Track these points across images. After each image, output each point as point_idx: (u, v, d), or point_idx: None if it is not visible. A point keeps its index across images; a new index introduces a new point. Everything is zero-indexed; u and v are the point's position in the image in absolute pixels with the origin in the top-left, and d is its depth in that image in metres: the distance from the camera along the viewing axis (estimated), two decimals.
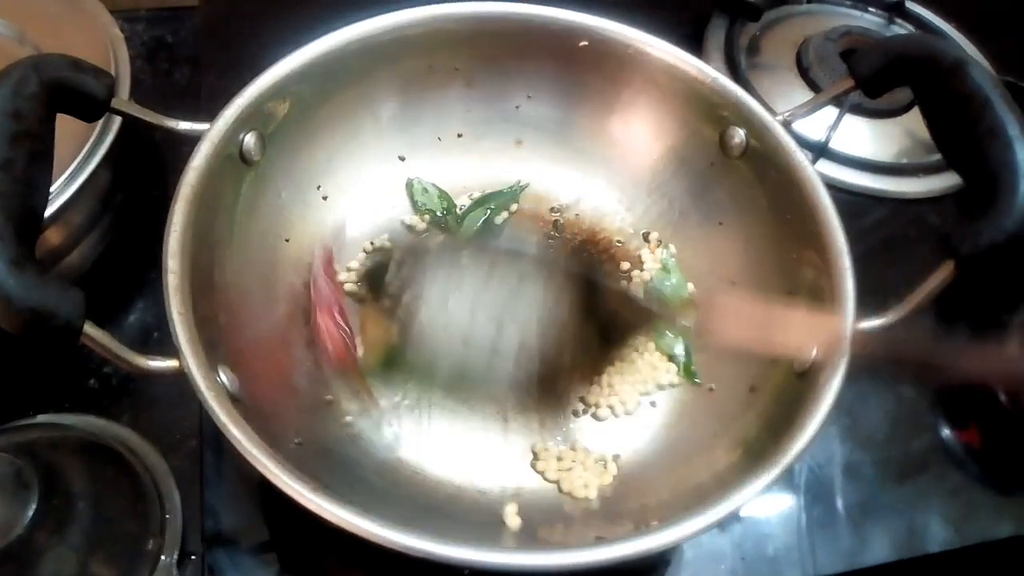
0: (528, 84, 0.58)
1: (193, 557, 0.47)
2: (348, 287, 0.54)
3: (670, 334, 0.53)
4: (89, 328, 0.37)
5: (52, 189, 0.50)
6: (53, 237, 0.56)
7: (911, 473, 0.54)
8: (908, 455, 0.55)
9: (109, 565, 0.45)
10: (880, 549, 0.52)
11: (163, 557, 0.46)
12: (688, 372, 0.52)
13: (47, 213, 0.49)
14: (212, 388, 0.38)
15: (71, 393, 0.53)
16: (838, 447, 0.55)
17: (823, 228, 0.46)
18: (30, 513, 0.40)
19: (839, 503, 0.53)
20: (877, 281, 0.46)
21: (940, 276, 0.42)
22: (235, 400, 0.40)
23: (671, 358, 0.53)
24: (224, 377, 0.40)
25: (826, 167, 0.68)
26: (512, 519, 0.45)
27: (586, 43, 0.55)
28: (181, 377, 0.39)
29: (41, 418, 0.51)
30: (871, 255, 0.54)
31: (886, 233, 0.66)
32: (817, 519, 0.52)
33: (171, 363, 0.39)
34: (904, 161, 0.69)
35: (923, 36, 0.75)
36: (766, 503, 0.53)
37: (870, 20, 0.81)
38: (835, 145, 0.68)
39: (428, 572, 0.46)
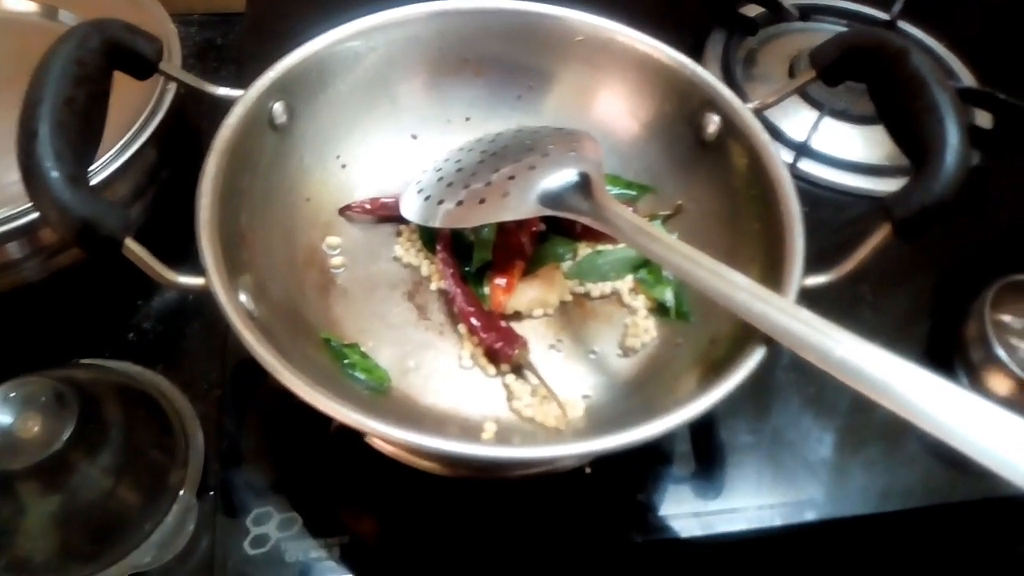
0: (529, 75, 0.64)
1: (211, 492, 0.52)
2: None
3: (659, 284, 0.58)
4: (130, 242, 0.43)
5: (102, 160, 0.58)
6: None
7: (871, 440, 0.58)
8: (870, 424, 0.59)
9: (135, 489, 0.50)
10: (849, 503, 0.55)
11: (183, 489, 0.51)
12: (680, 314, 0.57)
13: (96, 180, 0.57)
14: (232, 302, 0.44)
15: (112, 344, 0.59)
16: (801, 414, 0.59)
17: (782, 199, 0.52)
18: (68, 432, 0.45)
19: (800, 463, 0.57)
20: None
21: (878, 237, 0.48)
22: (252, 318, 0.45)
23: (662, 305, 0.58)
24: (244, 298, 0.46)
25: (810, 166, 0.74)
26: (489, 434, 0.50)
27: (582, 38, 0.61)
28: (207, 299, 0.43)
29: (84, 361, 0.57)
30: (848, 245, 0.57)
31: (864, 227, 0.70)
32: (780, 475, 0.56)
33: (198, 280, 0.44)
34: (886, 163, 0.74)
35: (874, 29, 0.80)
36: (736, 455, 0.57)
37: None
38: (822, 147, 0.74)
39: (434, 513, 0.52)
